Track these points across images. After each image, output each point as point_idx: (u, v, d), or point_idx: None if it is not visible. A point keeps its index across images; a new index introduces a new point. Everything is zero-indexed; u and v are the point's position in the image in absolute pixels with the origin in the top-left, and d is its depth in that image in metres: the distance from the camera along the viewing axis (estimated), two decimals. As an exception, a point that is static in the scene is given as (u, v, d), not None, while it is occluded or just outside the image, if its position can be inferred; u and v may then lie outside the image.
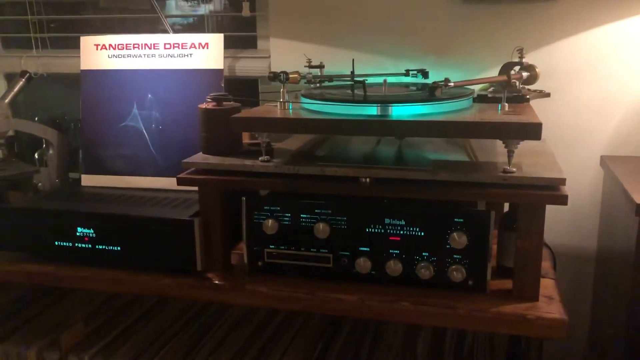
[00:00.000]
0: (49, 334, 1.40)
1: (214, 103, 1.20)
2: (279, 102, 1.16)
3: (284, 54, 1.57)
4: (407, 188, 1.03)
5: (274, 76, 1.16)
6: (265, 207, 1.12)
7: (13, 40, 1.90)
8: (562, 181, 0.99)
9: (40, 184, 1.54)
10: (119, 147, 1.40)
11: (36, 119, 1.70)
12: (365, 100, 1.06)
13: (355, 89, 1.27)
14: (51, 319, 1.47)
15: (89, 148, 1.42)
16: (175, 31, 1.72)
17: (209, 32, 1.65)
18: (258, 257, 1.15)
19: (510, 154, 1.01)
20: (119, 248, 1.19)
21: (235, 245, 1.25)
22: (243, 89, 1.74)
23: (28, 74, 1.54)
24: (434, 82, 1.07)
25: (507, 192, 0.99)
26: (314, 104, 1.12)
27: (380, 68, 1.48)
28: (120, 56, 1.40)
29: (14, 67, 1.78)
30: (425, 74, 1.38)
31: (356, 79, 1.16)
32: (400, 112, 1.04)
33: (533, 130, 0.95)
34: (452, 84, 1.07)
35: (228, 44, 1.70)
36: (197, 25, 1.73)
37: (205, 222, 1.15)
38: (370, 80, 1.38)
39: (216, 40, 1.35)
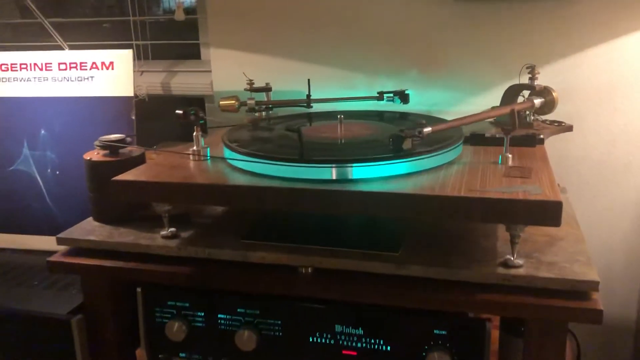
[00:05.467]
0: None
1: (105, 152, 0.87)
2: (191, 153, 0.83)
3: (228, 68, 1.23)
4: (362, 285, 0.71)
5: (184, 115, 0.83)
6: (170, 303, 0.80)
7: None
8: (594, 285, 0.65)
9: None
10: (8, 198, 1.09)
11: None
12: (301, 158, 0.73)
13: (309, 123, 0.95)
14: None
15: (-28, 198, 1.11)
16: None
17: (136, 40, 1.31)
18: (164, 369, 0.83)
19: (514, 240, 0.68)
20: (-18, 349, 0.88)
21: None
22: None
23: None
24: (401, 129, 0.73)
25: (510, 301, 0.67)
26: (236, 160, 0.79)
27: (347, 87, 1.15)
28: (4, 80, 1.07)
29: None
30: (404, 97, 1.06)
31: (291, 125, 0.81)
32: (353, 175, 0.71)
33: (549, 214, 0.62)
34: (428, 129, 0.73)
35: (165, 54, 1.38)
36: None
37: (92, 319, 0.84)
38: (329, 106, 1.06)
39: (123, 58, 1.02)
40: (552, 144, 0.92)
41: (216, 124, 1.07)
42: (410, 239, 0.76)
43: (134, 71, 1.31)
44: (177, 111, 0.84)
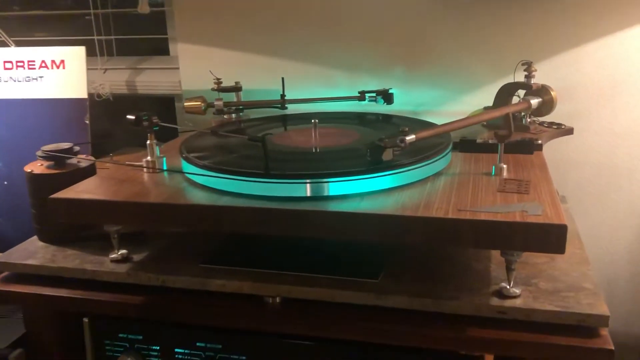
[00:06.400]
0: None
1: (50, 163, 0.77)
2: (144, 166, 0.73)
3: (197, 65, 1.13)
4: (337, 318, 0.62)
5: (136, 120, 0.73)
6: (121, 335, 0.71)
7: None
8: (604, 320, 0.56)
9: None
10: (-48, 212, 0.98)
11: None
12: (266, 173, 0.63)
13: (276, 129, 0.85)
14: None
15: None
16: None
17: (98, 35, 1.20)
18: (117, 408, 0.74)
19: (510, 266, 0.59)
20: None
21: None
22: (154, 111, 1.31)
23: None
24: (380, 139, 0.64)
25: (506, 338, 0.58)
26: (193, 174, 0.69)
27: (326, 86, 1.05)
28: (-56, 80, 0.97)
29: None
30: (388, 97, 0.97)
31: (254, 133, 0.72)
32: (324, 192, 0.62)
33: (551, 240, 0.53)
34: (411, 138, 0.64)
35: (134, 50, 1.27)
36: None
37: (34, 354, 0.74)
38: (306, 107, 0.97)
39: (75, 56, 0.92)
40: (548, 147, 0.84)
41: (189, 128, 0.97)
42: (391, 263, 0.67)
43: (97, 69, 1.22)
44: (128, 116, 0.74)
